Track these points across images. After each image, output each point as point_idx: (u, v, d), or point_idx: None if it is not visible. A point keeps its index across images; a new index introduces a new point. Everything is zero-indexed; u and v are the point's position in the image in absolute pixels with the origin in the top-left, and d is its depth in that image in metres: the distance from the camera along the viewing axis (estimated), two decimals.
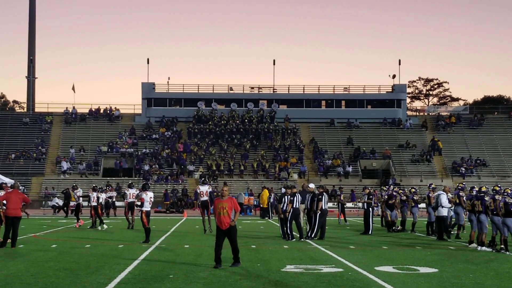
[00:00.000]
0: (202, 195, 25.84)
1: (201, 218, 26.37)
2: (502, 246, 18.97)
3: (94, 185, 33.71)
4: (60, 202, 44.98)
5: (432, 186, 27.36)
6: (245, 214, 41.92)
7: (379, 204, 30.17)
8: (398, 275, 14.10)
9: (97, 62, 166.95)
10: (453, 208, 24.59)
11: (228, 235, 14.93)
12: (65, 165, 60.10)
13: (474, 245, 20.31)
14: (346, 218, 35.28)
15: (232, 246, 15.01)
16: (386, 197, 29.12)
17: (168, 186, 56.26)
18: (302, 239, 22.63)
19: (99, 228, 28.78)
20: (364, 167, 63.30)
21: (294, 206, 22.78)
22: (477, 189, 21.33)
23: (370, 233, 26.15)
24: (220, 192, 15.22)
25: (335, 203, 40.46)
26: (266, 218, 39.49)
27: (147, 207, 21.85)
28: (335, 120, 69.81)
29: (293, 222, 23.38)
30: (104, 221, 29.88)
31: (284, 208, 22.92)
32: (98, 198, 29.54)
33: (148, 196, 22.03)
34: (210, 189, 26.75)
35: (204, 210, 25.89)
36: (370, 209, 26.94)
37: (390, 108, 71.18)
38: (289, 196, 22.97)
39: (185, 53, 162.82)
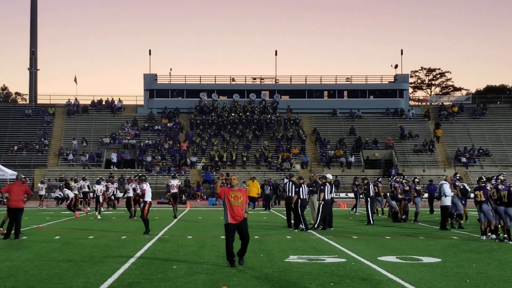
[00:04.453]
0: (173, 188, 29.80)
1: (172, 207, 30.25)
2: (505, 235, 18.94)
3: (98, 178, 35.02)
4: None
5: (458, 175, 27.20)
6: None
7: (388, 195, 30.07)
8: (401, 265, 14.09)
9: (99, 54, 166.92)
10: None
11: (240, 228, 13.59)
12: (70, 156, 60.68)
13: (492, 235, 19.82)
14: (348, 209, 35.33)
15: (244, 240, 13.62)
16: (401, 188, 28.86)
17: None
18: (309, 230, 22.58)
19: (100, 216, 30.28)
20: (367, 157, 63.32)
21: (301, 197, 22.80)
22: (484, 179, 21.07)
23: (372, 223, 26.13)
24: (229, 181, 13.98)
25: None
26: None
27: (149, 197, 21.88)
28: (338, 110, 69.77)
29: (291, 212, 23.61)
30: (102, 212, 31.11)
31: (289, 195, 23.30)
32: (104, 190, 32.13)
33: (148, 186, 22.14)
34: (179, 183, 30.67)
35: (174, 200, 29.88)
36: (369, 199, 26.95)
37: (392, 98, 71.14)
38: (290, 185, 23.20)
39: (187, 45, 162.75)
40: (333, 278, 12.25)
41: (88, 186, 36.99)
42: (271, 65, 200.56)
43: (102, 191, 32.22)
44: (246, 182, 43.38)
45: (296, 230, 22.59)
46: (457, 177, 26.94)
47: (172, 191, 29.76)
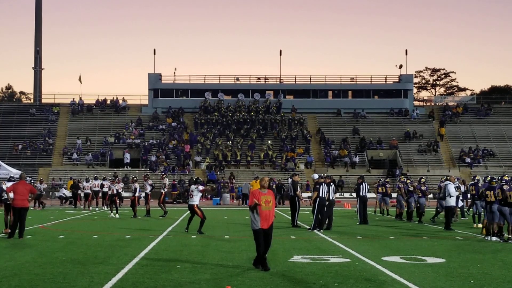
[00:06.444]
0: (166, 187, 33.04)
1: (162, 205, 31.25)
2: (510, 236, 18.89)
3: (110, 176, 36.33)
4: (67, 193, 45.09)
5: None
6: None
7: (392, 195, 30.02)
8: (405, 265, 14.08)
9: (103, 53, 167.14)
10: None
11: (267, 232, 13.34)
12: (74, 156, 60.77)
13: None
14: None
15: (268, 245, 13.33)
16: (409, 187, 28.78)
17: (175, 176, 56.29)
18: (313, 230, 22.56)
19: (113, 215, 31.13)
20: (371, 157, 63.25)
21: (321, 195, 22.81)
22: (489, 179, 20.97)
23: (360, 223, 26.14)
24: (262, 183, 13.72)
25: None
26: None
27: (196, 200, 21.92)
28: (342, 110, 69.72)
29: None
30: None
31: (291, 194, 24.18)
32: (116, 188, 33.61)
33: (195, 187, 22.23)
34: (167, 182, 33.74)
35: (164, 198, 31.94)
36: (358, 199, 26.89)
37: (397, 98, 71.05)
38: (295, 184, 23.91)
39: (191, 44, 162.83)
40: (337, 278, 12.24)
41: (101, 185, 37.38)
42: (275, 65, 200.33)
43: (116, 190, 33.34)
44: (250, 182, 43.42)
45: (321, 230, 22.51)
46: (463, 179, 26.81)
47: (165, 190, 32.52)
